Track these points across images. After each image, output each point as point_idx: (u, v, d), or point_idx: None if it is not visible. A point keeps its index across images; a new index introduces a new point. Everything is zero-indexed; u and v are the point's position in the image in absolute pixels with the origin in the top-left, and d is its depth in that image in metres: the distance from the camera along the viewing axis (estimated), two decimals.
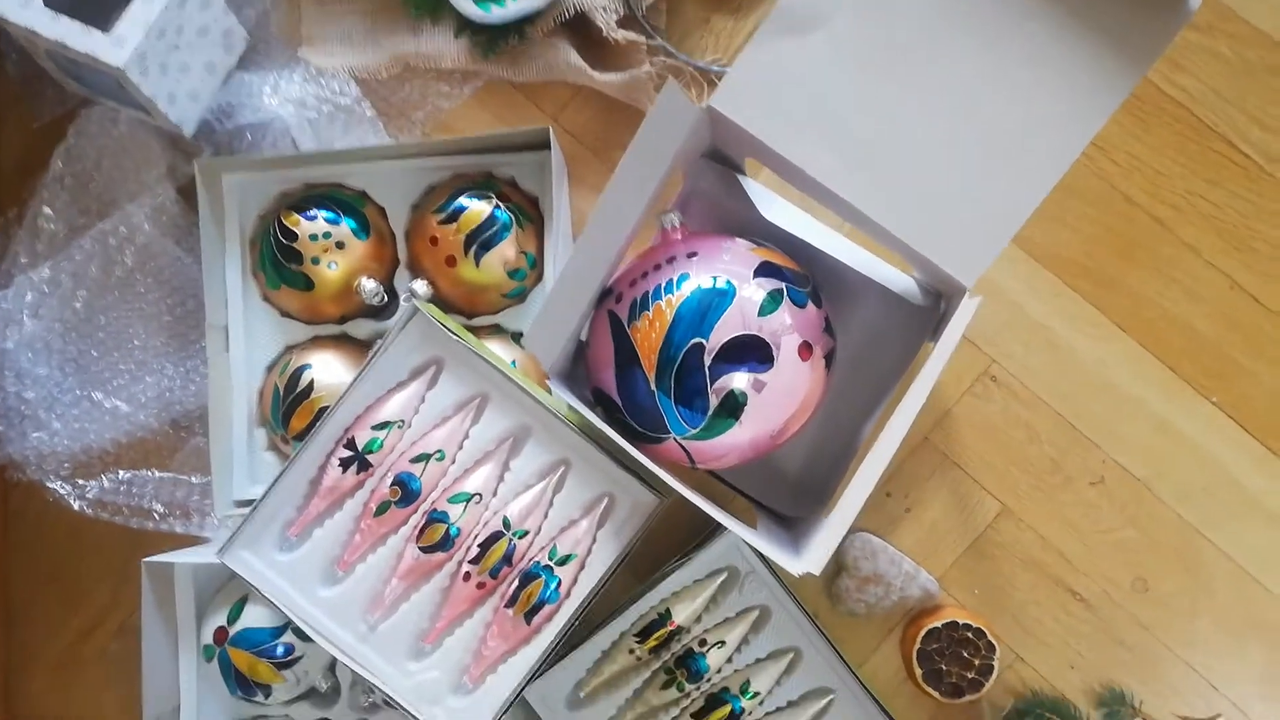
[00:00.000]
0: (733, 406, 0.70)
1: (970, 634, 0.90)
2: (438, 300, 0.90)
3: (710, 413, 0.70)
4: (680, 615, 0.92)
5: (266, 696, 0.88)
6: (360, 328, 0.92)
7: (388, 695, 0.79)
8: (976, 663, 0.90)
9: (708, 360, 0.69)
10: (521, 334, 0.90)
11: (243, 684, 0.87)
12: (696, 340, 0.69)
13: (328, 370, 0.88)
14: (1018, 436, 0.93)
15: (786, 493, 0.89)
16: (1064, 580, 0.92)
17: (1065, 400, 0.93)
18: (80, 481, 0.97)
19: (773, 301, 0.71)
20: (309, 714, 0.91)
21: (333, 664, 0.91)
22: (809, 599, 0.91)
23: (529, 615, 0.80)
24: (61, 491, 0.97)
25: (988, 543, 0.93)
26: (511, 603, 0.80)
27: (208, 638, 0.88)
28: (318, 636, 0.80)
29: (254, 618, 0.87)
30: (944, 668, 0.90)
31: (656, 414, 0.72)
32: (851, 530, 0.93)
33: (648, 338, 0.71)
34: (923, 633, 0.90)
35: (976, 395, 0.94)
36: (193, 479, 0.98)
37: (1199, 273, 0.92)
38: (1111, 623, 0.91)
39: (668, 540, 0.92)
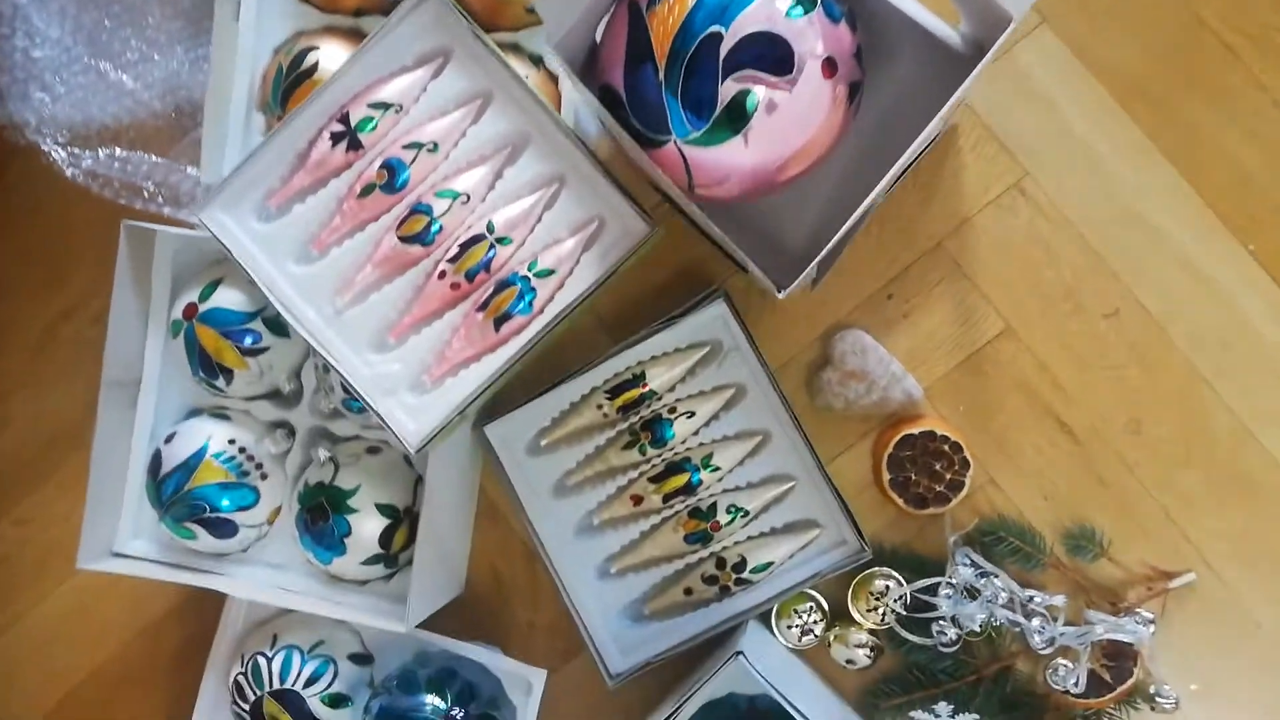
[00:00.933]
0: (739, 114, 0.66)
1: (946, 447, 0.87)
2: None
3: (716, 115, 0.66)
4: (655, 380, 0.89)
5: (228, 383, 0.86)
6: (374, 24, 0.88)
7: (346, 380, 0.77)
8: (947, 477, 0.87)
9: (722, 53, 0.65)
10: (541, 57, 0.86)
11: (205, 364, 0.86)
12: (715, 29, 0.65)
13: (334, 59, 0.84)
14: (1036, 256, 0.88)
15: (785, 265, 0.85)
16: (1054, 410, 0.88)
17: (1094, 226, 0.88)
18: (77, 151, 0.95)
19: (804, 6, 0.66)
20: (269, 413, 0.90)
21: (299, 368, 0.90)
22: (788, 387, 0.88)
23: (498, 323, 0.77)
24: (57, 157, 0.95)
25: (984, 360, 0.89)
26: (483, 307, 0.77)
27: (178, 313, 0.87)
28: (284, 309, 0.78)
29: (226, 299, 0.85)
30: (912, 476, 0.87)
31: (661, 111, 0.68)
32: (843, 326, 0.90)
33: (665, 23, 0.66)
34: (898, 437, 0.87)
35: (1002, 207, 0.89)
36: (189, 169, 0.96)
37: (1264, 112, 0.86)
38: (1095, 459, 0.88)
39: (652, 306, 0.89)
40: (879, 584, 0.86)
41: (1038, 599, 0.83)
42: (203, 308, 0.85)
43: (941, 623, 0.84)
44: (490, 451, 0.91)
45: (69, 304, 1.04)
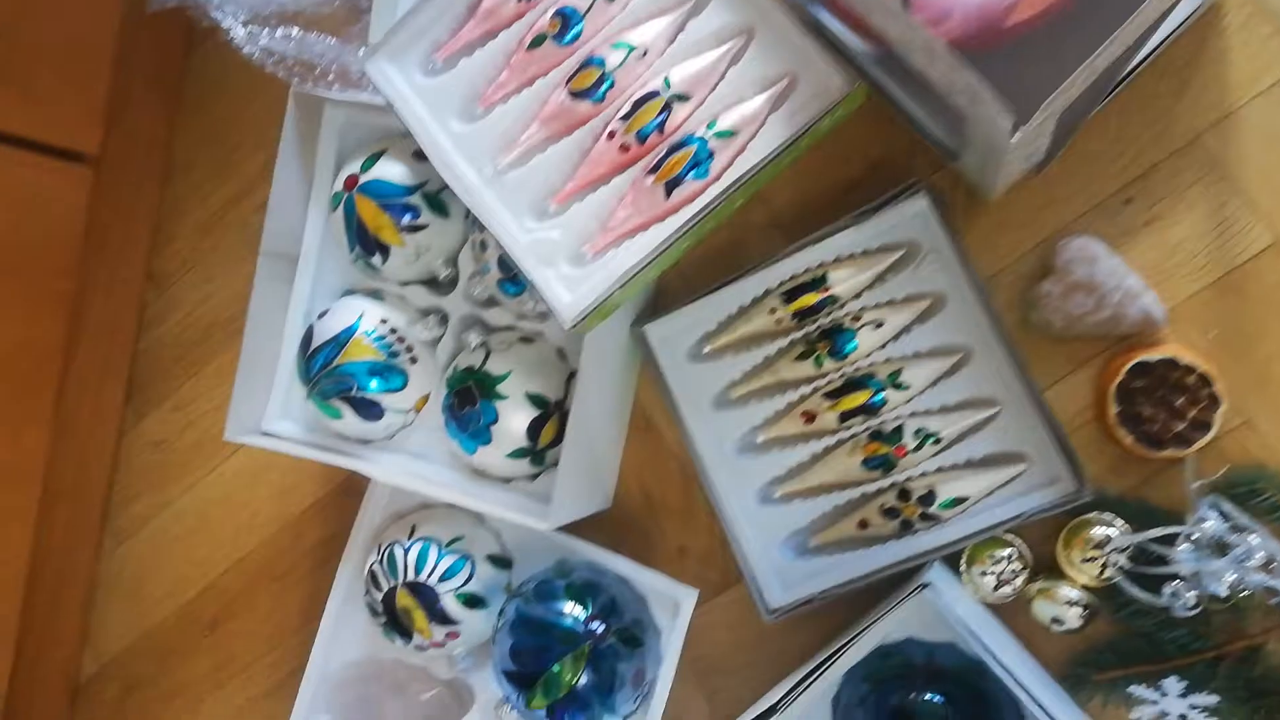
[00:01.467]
0: None
1: (1191, 379, 0.73)
2: None
3: None
4: (838, 284, 0.79)
5: (384, 261, 0.82)
6: None
7: (502, 246, 0.71)
8: (1191, 414, 0.73)
9: None
10: None
11: (363, 239, 0.81)
12: None
13: None
14: None
15: None
16: None
17: None
18: (255, 29, 0.94)
19: None
20: (423, 299, 0.85)
21: (456, 253, 0.84)
22: (998, 302, 0.76)
23: (670, 188, 0.69)
24: (236, 34, 0.93)
25: (1245, 278, 0.74)
26: (653, 171, 0.69)
27: (339, 185, 0.83)
28: (443, 168, 0.72)
29: (388, 171, 0.81)
30: (1146, 412, 0.73)
31: None
32: (1070, 233, 0.77)
33: None
34: (1130, 364, 0.73)
35: (1274, 100, 0.74)
36: (361, 51, 0.93)
37: None
38: None
39: (838, 205, 0.78)
40: (1098, 531, 0.72)
41: None
42: (363, 178, 0.81)
43: (1177, 583, 0.69)
44: (649, 354, 0.83)
45: (239, 189, 1.03)
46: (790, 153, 0.68)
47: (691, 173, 0.69)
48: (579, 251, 0.71)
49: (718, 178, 0.69)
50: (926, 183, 0.75)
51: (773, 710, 0.70)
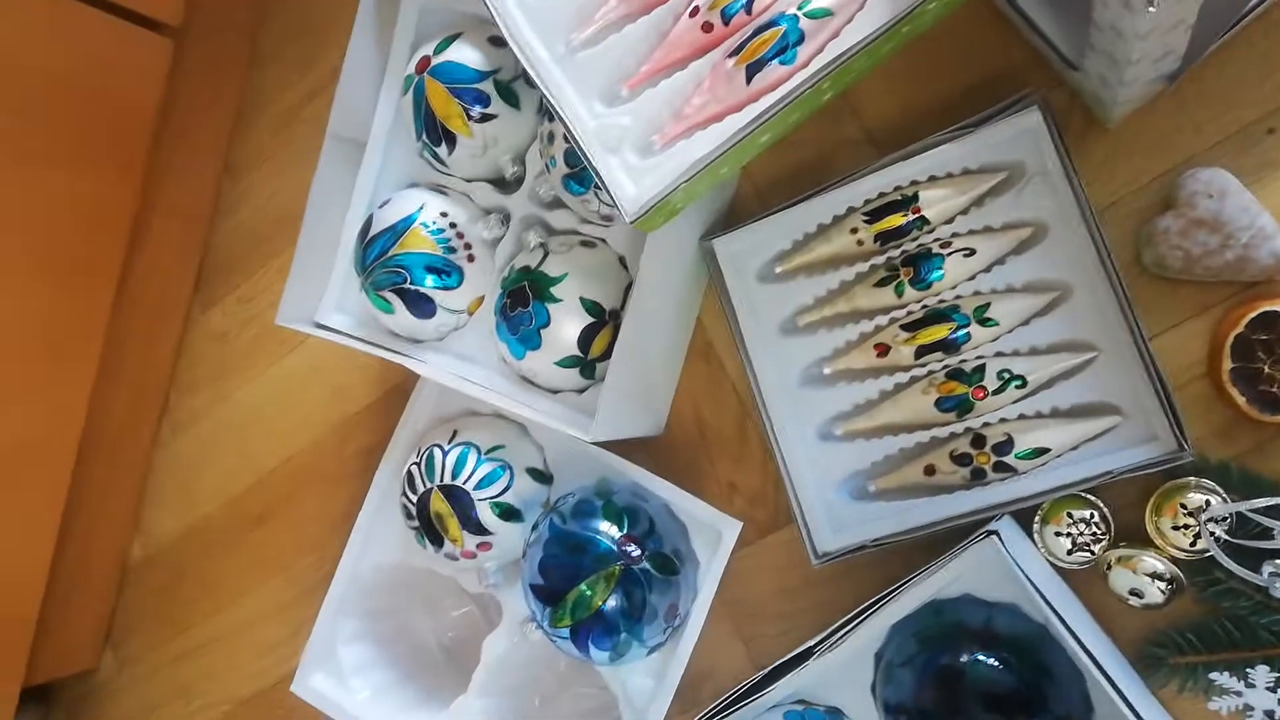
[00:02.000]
0: None
1: None
2: None
3: None
4: (930, 205, 0.72)
5: (450, 151, 0.79)
6: None
7: (567, 128, 0.67)
8: None
9: None
10: None
11: (430, 127, 0.78)
12: None
13: None
14: None
15: None
16: None
17: None
18: None
19: None
20: (488, 198, 0.82)
21: (524, 151, 0.81)
22: (1110, 236, 0.68)
23: (751, 72, 0.63)
24: None
25: None
26: (736, 53, 0.64)
27: (411, 68, 0.80)
28: (512, 40, 0.68)
29: (462, 54, 0.77)
30: (1266, 370, 0.65)
31: None
32: (1199, 163, 0.68)
33: None
34: (1254, 315, 0.65)
35: None
36: None
37: None
38: None
39: (938, 121, 0.71)
40: (1195, 498, 0.64)
41: None
42: (435, 60, 0.78)
43: (1279, 562, 0.61)
44: (716, 270, 0.78)
45: (317, 84, 1.01)
46: (890, 40, 0.62)
47: (777, 57, 0.63)
48: (648, 141, 0.67)
49: (806, 64, 0.63)
50: (1041, 96, 0.68)
51: (808, 654, 0.65)
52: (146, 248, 1.00)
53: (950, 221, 0.73)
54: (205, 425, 1.06)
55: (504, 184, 0.82)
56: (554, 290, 0.74)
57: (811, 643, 0.65)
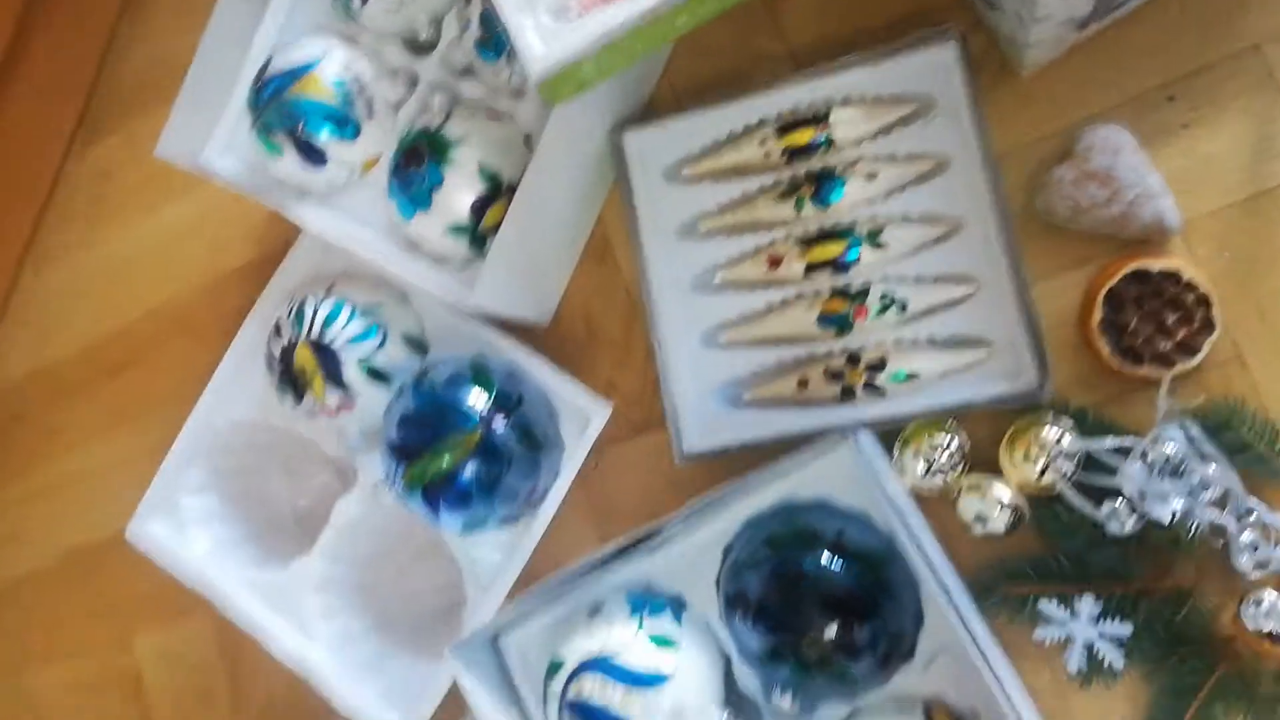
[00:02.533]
0: None
1: (1190, 298, 0.66)
2: None
3: None
4: (840, 127, 0.73)
5: (364, 1, 0.75)
6: None
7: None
8: (1180, 335, 0.66)
9: None
10: None
11: None
12: None
13: None
14: None
15: None
16: None
17: None
18: None
19: None
20: (398, 58, 0.79)
21: (442, 15, 0.78)
22: (1006, 181, 0.69)
23: None
24: None
25: (1275, 205, 0.67)
26: None
27: None
28: None
29: None
30: (1133, 324, 0.67)
31: None
32: (1099, 120, 0.70)
33: None
34: (1130, 269, 0.67)
35: None
36: None
37: None
38: None
39: (862, 46, 0.71)
40: (1050, 432, 0.66)
41: (1260, 510, 0.62)
42: None
43: (1120, 502, 0.63)
44: (622, 163, 0.76)
45: None
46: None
47: None
48: (565, 5, 0.64)
49: None
50: (960, 33, 0.69)
51: (655, 534, 0.64)
52: (25, 71, 0.93)
53: (857, 145, 0.73)
54: (73, 265, 1.00)
55: (416, 46, 0.79)
56: (451, 153, 0.72)
57: (660, 523, 0.64)
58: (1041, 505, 0.67)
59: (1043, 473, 0.66)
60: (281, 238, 0.91)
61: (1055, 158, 0.71)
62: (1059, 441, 0.66)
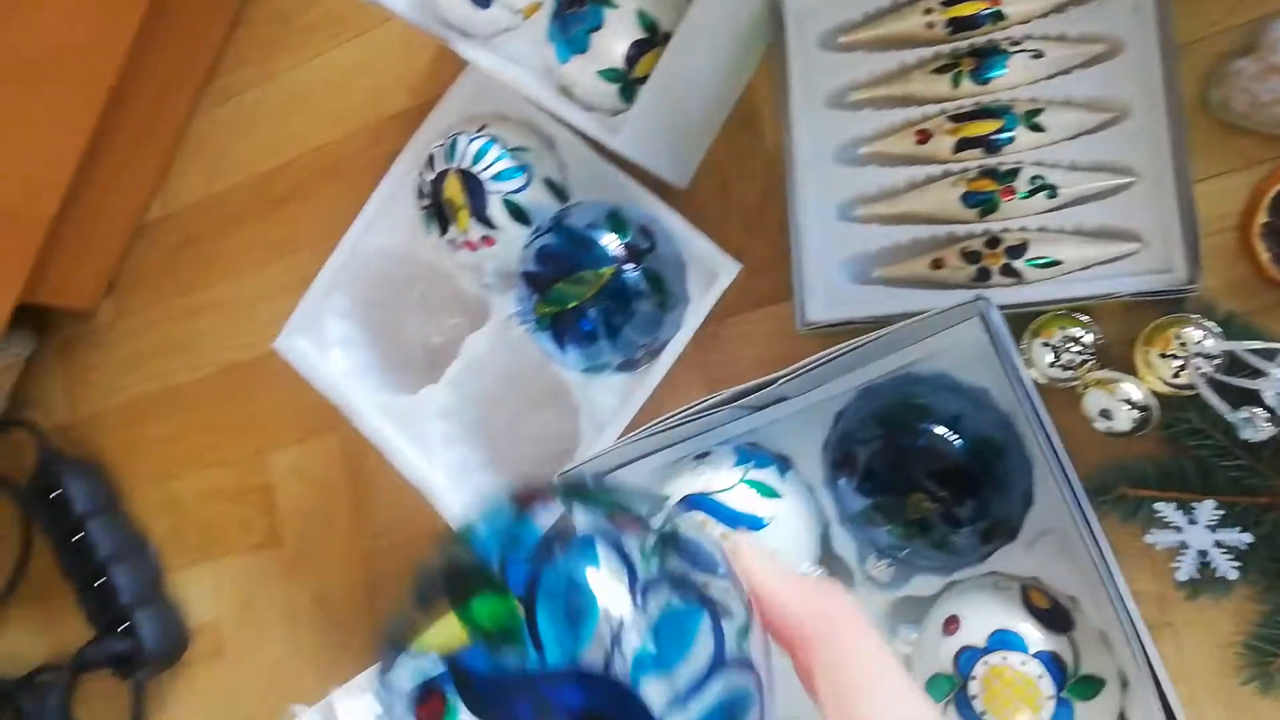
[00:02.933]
0: None
1: None
2: None
3: None
4: (1011, 0, 0.70)
5: None
6: None
7: None
8: None
9: None
10: None
11: None
12: None
13: None
14: None
15: None
16: None
17: None
18: None
19: None
20: None
21: None
22: (1185, 70, 0.66)
23: None
24: None
25: None
26: None
27: None
28: None
29: None
30: None
31: None
32: None
33: None
34: None
35: None
36: None
37: None
38: None
39: None
40: (1191, 332, 0.64)
41: None
42: None
43: (1258, 410, 0.61)
44: (779, 24, 0.76)
45: None
46: None
47: None
48: None
49: None
50: None
51: (766, 386, 0.65)
52: None
53: (1027, 23, 0.70)
54: (247, 99, 1.06)
55: None
56: None
57: (777, 375, 0.65)
58: (1172, 408, 0.65)
59: (1179, 371, 0.64)
60: (437, 89, 0.94)
61: (1238, 51, 0.67)
62: (1200, 342, 0.63)
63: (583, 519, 0.32)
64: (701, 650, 0.30)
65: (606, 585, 0.30)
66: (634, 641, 0.29)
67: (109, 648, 1.01)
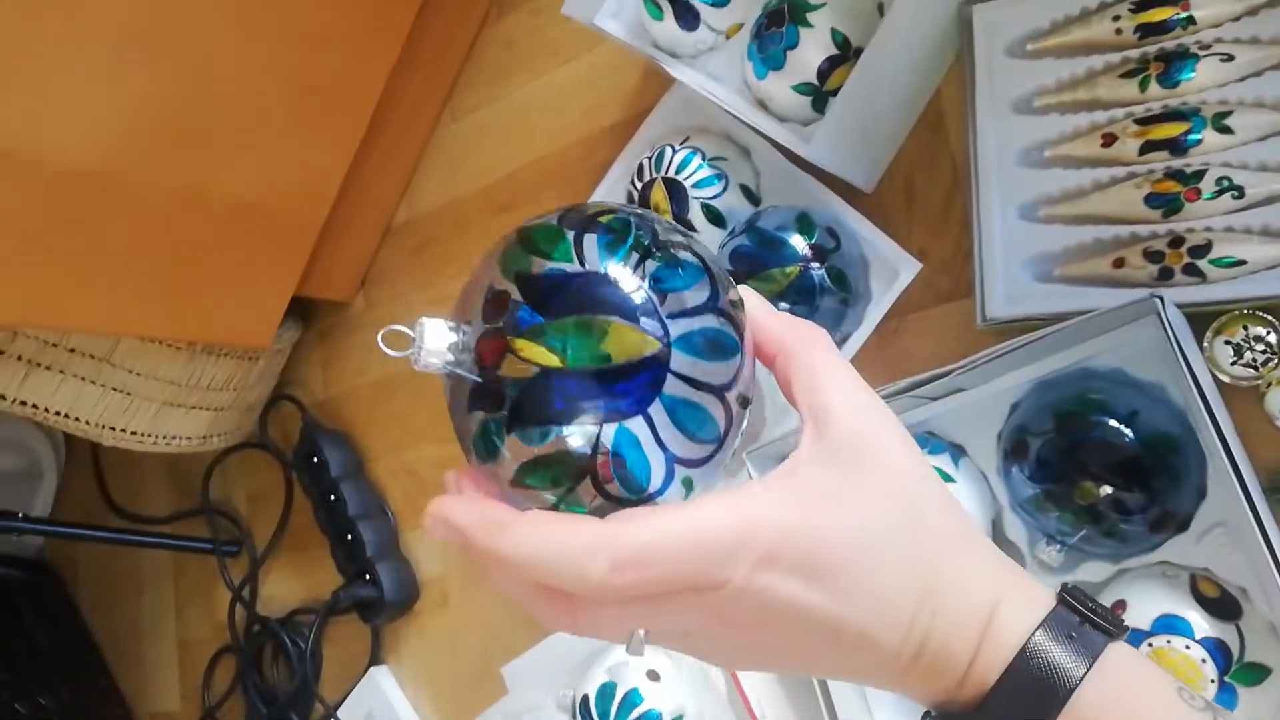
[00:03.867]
0: None
1: None
2: None
3: None
4: (1201, 4, 0.72)
5: None
6: None
7: None
8: None
9: None
10: None
11: None
12: None
13: None
14: None
15: None
16: None
17: None
18: None
19: None
20: None
21: None
22: None
23: None
24: None
25: None
26: None
27: None
28: None
29: None
30: None
31: None
32: None
33: None
34: None
35: None
36: None
37: None
38: None
39: None
40: None
41: None
42: None
43: None
44: (968, 36, 0.80)
45: None
46: None
47: None
48: None
49: None
50: None
51: (945, 374, 0.70)
52: None
53: (1219, 27, 0.72)
54: (479, 117, 1.20)
55: None
56: (809, 16, 0.79)
57: (954, 365, 0.70)
58: None
59: None
60: (647, 103, 1.04)
61: None
62: None
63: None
64: (698, 293, 0.40)
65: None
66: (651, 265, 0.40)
67: (355, 594, 1.17)
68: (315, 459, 1.22)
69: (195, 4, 0.89)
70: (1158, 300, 0.63)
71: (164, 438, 1.14)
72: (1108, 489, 0.66)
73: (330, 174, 1.09)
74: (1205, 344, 0.70)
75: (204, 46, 0.92)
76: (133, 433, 1.11)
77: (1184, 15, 0.72)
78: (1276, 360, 0.68)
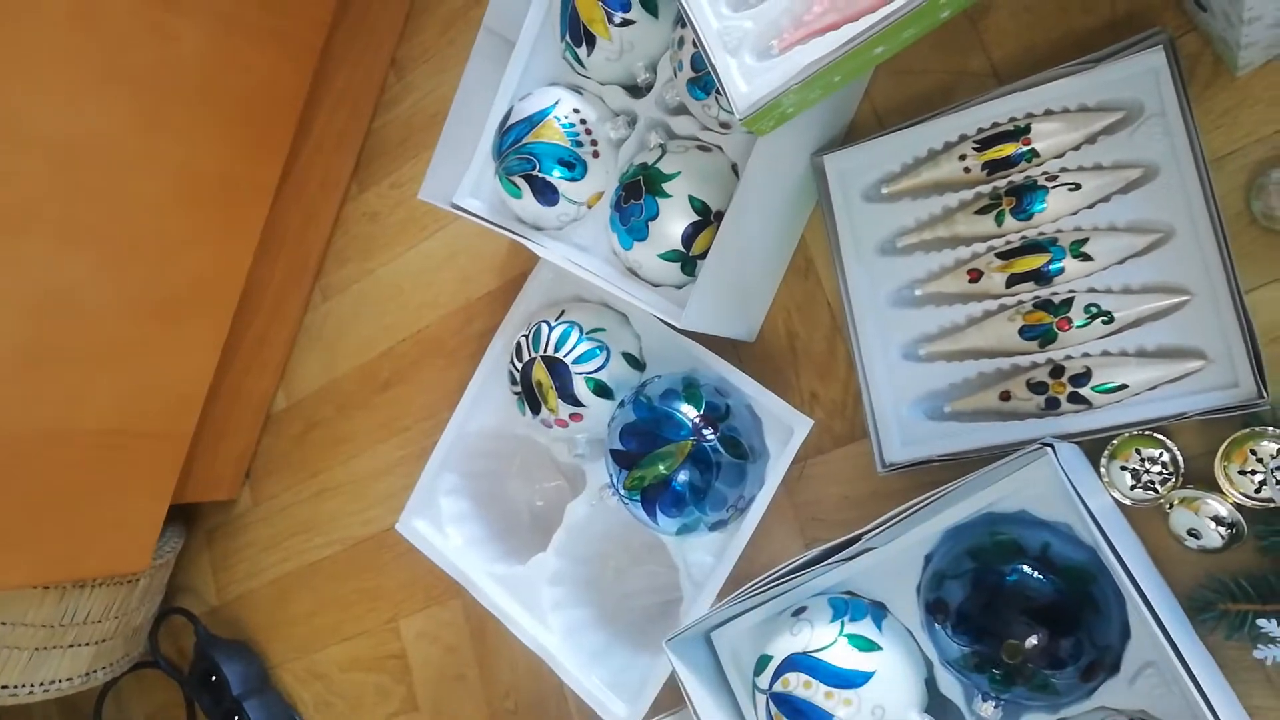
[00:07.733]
0: None
1: None
2: None
3: None
4: (1041, 139, 0.73)
5: (589, 53, 0.84)
6: None
7: (694, 27, 0.71)
8: None
9: None
10: None
11: (574, 27, 0.84)
12: None
13: None
14: None
15: None
16: None
17: None
18: None
19: None
20: (618, 100, 0.87)
21: (657, 60, 0.85)
22: (1224, 184, 0.68)
23: None
24: None
25: None
26: None
27: None
28: None
29: None
30: None
31: None
32: None
33: None
34: None
35: None
36: None
37: None
38: None
39: (1063, 57, 0.72)
40: (1268, 445, 0.64)
41: None
42: None
43: None
44: (824, 186, 0.81)
45: None
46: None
47: None
48: (767, 45, 0.70)
49: None
50: (1169, 36, 0.68)
51: (855, 540, 0.68)
52: (314, 129, 1.10)
53: (1060, 157, 0.73)
54: (350, 294, 1.17)
55: (635, 89, 0.87)
56: (665, 186, 0.79)
57: (862, 530, 0.68)
58: (1262, 520, 0.65)
59: (1260, 487, 0.64)
60: (520, 269, 1.03)
61: (1273, 160, 0.68)
62: (1278, 455, 0.63)
63: None
64: None
65: None
66: None
67: None
68: (214, 677, 1.13)
69: (44, 240, 0.84)
70: (1049, 449, 0.63)
71: (41, 686, 1.04)
72: (1033, 640, 0.64)
73: (197, 377, 1.03)
74: (1103, 470, 0.70)
75: (55, 280, 0.86)
76: (3, 687, 1.01)
77: (1026, 149, 0.74)
78: (1174, 479, 0.68)
